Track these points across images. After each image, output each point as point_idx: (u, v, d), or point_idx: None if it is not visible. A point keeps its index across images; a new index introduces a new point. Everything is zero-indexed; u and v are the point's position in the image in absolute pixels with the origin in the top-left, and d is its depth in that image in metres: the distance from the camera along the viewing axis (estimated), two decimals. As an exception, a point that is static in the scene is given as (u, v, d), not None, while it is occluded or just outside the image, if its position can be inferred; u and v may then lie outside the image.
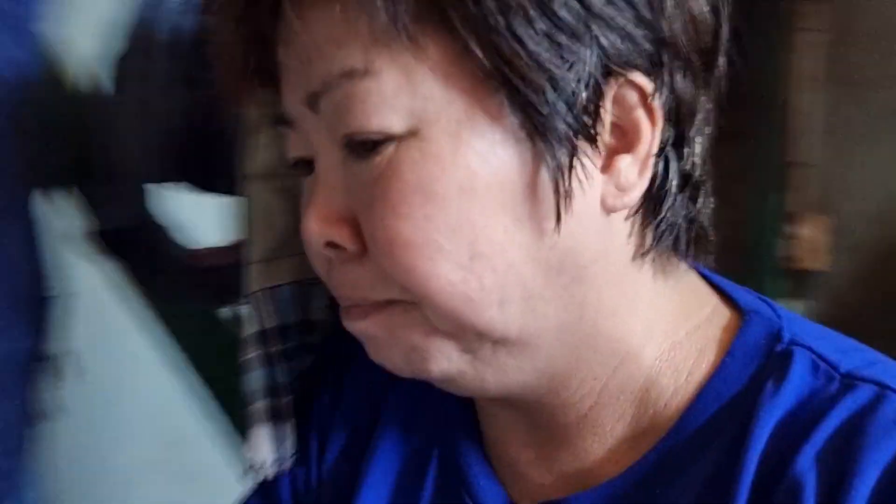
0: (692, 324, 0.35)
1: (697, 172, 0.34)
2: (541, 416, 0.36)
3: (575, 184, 0.31)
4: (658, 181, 0.33)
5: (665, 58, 0.31)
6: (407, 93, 0.30)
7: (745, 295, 0.37)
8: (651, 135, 0.31)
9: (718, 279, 0.38)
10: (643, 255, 0.34)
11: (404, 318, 0.33)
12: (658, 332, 0.35)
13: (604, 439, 0.35)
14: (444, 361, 0.33)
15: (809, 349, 0.33)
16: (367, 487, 0.40)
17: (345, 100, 0.31)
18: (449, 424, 0.40)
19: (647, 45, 0.31)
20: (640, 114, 0.31)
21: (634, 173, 0.32)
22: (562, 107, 0.30)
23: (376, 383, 0.43)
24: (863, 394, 0.31)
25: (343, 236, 0.32)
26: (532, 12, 0.28)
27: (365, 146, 0.31)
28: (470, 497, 0.37)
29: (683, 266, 0.36)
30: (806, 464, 0.30)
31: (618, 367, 0.34)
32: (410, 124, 0.30)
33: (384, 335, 0.34)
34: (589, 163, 0.31)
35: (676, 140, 0.33)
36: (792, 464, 0.31)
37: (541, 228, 0.31)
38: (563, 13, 0.29)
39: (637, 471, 0.34)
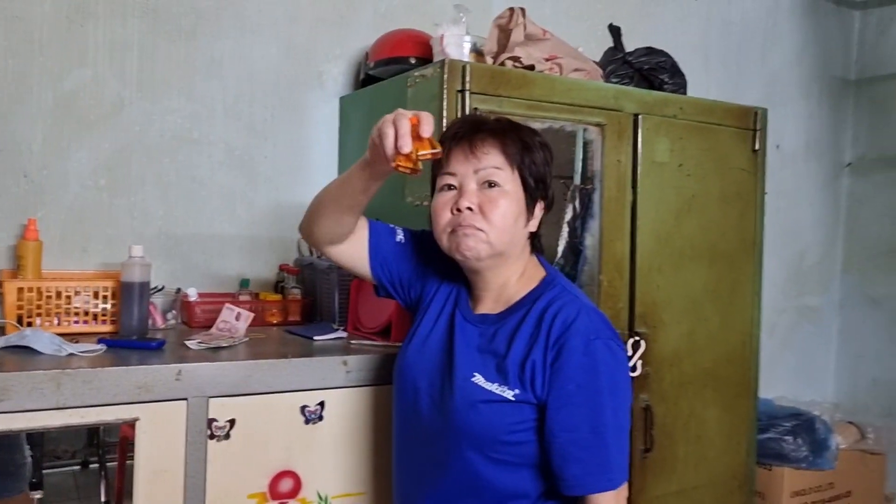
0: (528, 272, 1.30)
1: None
2: (485, 285, 1.30)
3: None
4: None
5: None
6: (510, 181, 1.23)
7: (549, 268, 1.31)
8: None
9: (542, 260, 1.34)
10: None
11: (483, 235, 1.21)
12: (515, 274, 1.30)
13: (496, 303, 1.29)
14: (484, 251, 1.22)
15: (560, 283, 1.26)
16: (432, 304, 1.37)
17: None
18: (460, 286, 1.35)
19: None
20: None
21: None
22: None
23: (440, 271, 1.38)
24: (562, 294, 1.24)
25: (475, 205, 1.22)
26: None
27: (491, 185, 1.22)
28: (460, 310, 1.32)
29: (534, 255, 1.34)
30: (557, 326, 1.18)
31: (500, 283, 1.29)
32: (508, 187, 1.23)
33: (473, 239, 1.21)
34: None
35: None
36: (551, 321, 1.19)
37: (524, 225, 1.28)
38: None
39: (500, 314, 1.27)
